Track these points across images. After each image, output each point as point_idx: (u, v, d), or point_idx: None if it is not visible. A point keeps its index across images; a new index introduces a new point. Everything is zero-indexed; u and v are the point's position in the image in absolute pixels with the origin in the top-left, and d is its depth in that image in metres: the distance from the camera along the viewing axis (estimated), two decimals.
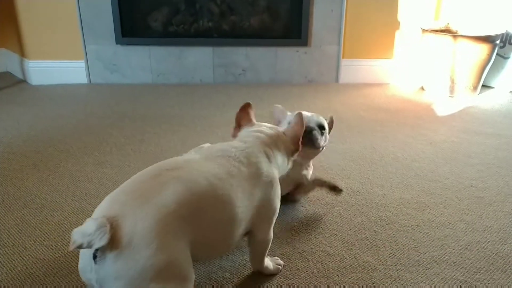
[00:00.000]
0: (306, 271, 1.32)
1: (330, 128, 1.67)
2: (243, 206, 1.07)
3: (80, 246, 0.82)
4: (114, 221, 0.85)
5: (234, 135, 1.28)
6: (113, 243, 0.83)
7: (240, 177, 1.08)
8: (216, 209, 1.01)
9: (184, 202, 0.93)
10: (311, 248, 1.42)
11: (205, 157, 1.11)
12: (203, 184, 0.99)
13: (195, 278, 1.28)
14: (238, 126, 1.29)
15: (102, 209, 0.92)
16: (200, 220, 0.96)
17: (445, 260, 1.37)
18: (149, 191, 0.93)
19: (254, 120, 1.30)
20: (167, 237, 0.88)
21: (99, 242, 0.81)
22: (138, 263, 0.84)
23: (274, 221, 1.22)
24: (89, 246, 0.82)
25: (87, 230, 0.82)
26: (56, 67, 3.08)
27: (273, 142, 1.23)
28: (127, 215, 0.87)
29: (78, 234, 0.82)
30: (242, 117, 1.29)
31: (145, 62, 3.13)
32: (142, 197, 0.91)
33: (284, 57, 3.18)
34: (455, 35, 2.88)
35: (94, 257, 0.85)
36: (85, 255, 0.89)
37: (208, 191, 0.99)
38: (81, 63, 3.09)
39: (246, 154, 1.14)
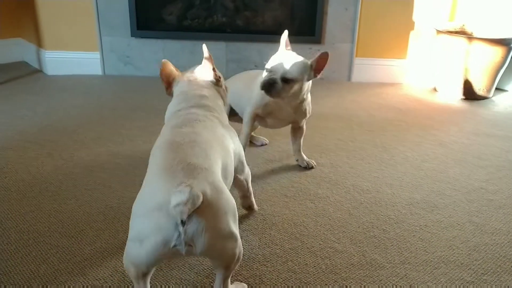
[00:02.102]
0: (314, 266, 1.34)
1: (319, 66, 1.69)
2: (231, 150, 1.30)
3: (188, 213, 0.93)
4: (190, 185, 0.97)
5: (170, 94, 1.40)
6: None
7: (219, 130, 1.27)
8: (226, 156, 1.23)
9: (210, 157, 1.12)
10: (320, 244, 1.44)
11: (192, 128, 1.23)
12: (214, 144, 1.19)
13: (205, 267, 1.30)
14: (168, 84, 1.39)
15: (169, 182, 1.00)
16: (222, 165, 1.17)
17: (452, 261, 1.38)
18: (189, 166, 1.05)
19: (177, 71, 1.40)
20: (223, 187, 1.08)
21: (199, 201, 0.95)
22: (220, 211, 1.02)
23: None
24: (194, 208, 0.94)
25: (183, 199, 0.93)
26: (72, 58, 3.12)
27: (210, 94, 1.37)
28: (194, 185, 0.97)
29: (178, 205, 0.93)
30: (168, 74, 1.38)
31: (159, 55, 3.16)
32: (191, 172, 1.03)
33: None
34: (470, 36, 2.86)
35: (182, 222, 0.95)
36: (164, 229, 0.97)
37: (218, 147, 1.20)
38: (96, 55, 3.12)
39: (209, 115, 1.30)
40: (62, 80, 3.04)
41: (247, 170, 1.48)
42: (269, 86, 1.65)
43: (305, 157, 1.95)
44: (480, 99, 2.92)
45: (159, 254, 1.00)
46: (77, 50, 3.12)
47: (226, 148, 1.25)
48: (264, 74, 1.69)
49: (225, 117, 1.38)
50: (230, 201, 1.07)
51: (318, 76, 1.71)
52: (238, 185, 1.48)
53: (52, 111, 2.50)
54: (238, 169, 1.40)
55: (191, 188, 0.94)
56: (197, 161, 1.07)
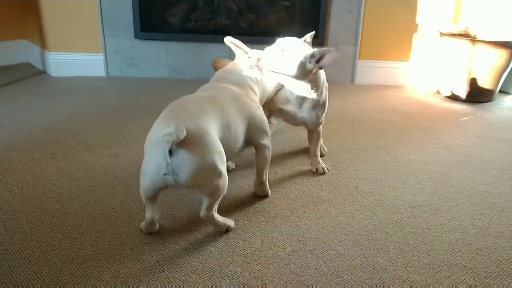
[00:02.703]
0: (316, 268, 1.34)
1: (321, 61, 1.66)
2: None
3: (173, 143, 1.19)
4: (182, 122, 1.25)
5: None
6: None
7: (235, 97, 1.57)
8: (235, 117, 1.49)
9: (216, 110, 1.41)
10: (322, 247, 1.44)
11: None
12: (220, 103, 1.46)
13: (207, 269, 1.31)
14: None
15: (165, 123, 1.28)
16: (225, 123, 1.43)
17: (455, 264, 1.38)
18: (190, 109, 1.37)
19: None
20: (212, 133, 1.32)
21: (182, 134, 1.21)
22: (203, 146, 1.27)
23: None
24: (177, 140, 1.20)
25: (170, 131, 1.19)
26: (76, 60, 3.13)
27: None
28: (185, 121, 1.27)
29: (165, 138, 1.18)
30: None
31: (162, 57, 3.17)
32: (182, 115, 1.32)
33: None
34: (473, 39, 2.86)
35: (170, 152, 1.21)
36: (156, 160, 1.25)
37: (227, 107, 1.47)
38: (100, 56, 3.14)
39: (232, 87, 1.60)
40: (65, 81, 3.05)
41: (268, 142, 1.63)
42: None
43: (320, 162, 1.94)
44: (484, 102, 2.92)
45: (155, 182, 1.29)
46: (81, 51, 3.13)
47: (238, 110, 1.49)
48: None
49: (253, 93, 1.62)
50: (215, 142, 1.31)
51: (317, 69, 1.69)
52: (257, 154, 1.64)
53: (55, 112, 2.51)
54: (256, 136, 1.59)
55: (177, 123, 1.20)
56: (191, 109, 1.35)
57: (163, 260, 1.35)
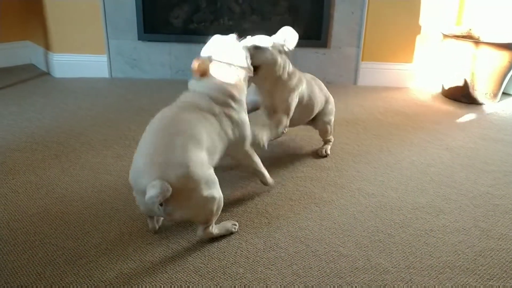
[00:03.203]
0: (319, 270, 1.34)
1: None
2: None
3: (158, 205, 1.23)
4: (163, 177, 1.24)
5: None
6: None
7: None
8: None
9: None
10: (325, 248, 1.44)
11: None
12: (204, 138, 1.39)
13: (210, 270, 1.31)
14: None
15: (148, 175, 1.26)
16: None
17: (458, 266, 1.38)
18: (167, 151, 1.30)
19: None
20: (196, 165, 1.30)
21: (168, 193, 1.22)
22: (189, 192, 1.29)
23: None
24: (164, 199, 1.22)
25: (155, 193, 1.20)
26: (79, 61, 3.14)
27: None
28: (169, 174, 1.25)
29: (151, 200, 1.21)
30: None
31: (165, 58, 3.18)
32: (167, 158, 1.29)
33: (302, 57, 3.19)
34: (476, 41, 2.86)
35: (161, 204, 1.25)
36: (147, 206, 1.27)
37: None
38: (103, 58, 3.14)
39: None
40: (69, 82, 3.06)
41: (244, 156, 1.61)
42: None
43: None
44: (487, 104, 2.91)
45: (149, 213, 1.40)
46: (85, 53, 3.14)
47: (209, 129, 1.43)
48: None
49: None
50: (196, 175, 1.29)
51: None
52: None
53: (59, 113, 2.52)
54: (233, 153, 1.56)
55: (162, 183, 1.21)
56: (176, 141, 1.31)
57: (166, 261, 1.35)
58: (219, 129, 1.45)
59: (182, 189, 1.26)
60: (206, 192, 1.32)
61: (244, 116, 1.55)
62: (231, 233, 1.49)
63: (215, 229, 1.44)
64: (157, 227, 1.48)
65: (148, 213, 1.42)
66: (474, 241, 1.50)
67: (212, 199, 1.34)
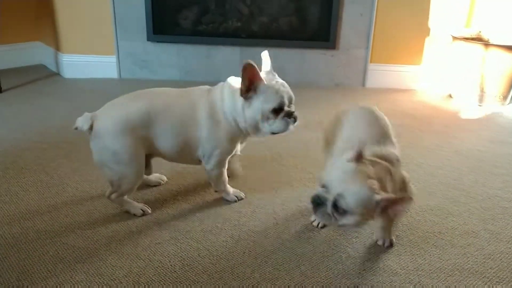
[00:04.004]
0: (327, 271, 1.34)
1: (389, 208, 1.18)
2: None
3: (75, 128, 1.49)
4: (95, 117, 1.48)
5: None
6: (92, 130, 1.48)
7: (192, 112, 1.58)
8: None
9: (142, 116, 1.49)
10: (332, 249, 1.44)
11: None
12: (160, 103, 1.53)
13: (218, 269, 1.31)
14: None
15: (96, 111, 1.51)
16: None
17: (467, 269, 1.37)
18: (124, 104, 1.52)
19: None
20: (120, 134, 1.46)
21: (84, 127, 1.48)
22: (101, 146, 1.48)
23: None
24: (81, 129, 1.49)
25: (79, 119, 1.49)
26: (89, 62, 3.17)
27: None
28: (101, 116, 1.49)
29: (77, 121, 1.49)
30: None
31: (174, 59, 3.19)
32: (117, 107, 1.51)
33: (311, 59, 3.19)
34: (486, 43, 2.85)
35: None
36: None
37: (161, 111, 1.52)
38: (113, 58, 3.17)
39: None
40: (79, 83, 3.09)
41: (211, 167, 1.59)
42: (316, 205, 1.22)
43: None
44: (496, 106, 2.90)
45: None
46: (94, 53, 3.17)
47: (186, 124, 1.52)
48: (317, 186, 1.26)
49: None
50: (110, 144, 1.45)
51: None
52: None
53: (69, 113, 2.54)
54: (203, 157, 1.57)
55: (89, 119, 1.48)
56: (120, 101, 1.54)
57: (175, 260, 1.36)
58: None
59: (97, 134, 1.51)
60: (111, 162, 1.50)
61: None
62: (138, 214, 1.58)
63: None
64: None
65: None
66: (483, 243, 1.50)
67: (110, 168, 1.50)
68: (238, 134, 1.55)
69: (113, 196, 1.54)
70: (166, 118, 1.50)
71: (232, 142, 1.56)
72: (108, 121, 1.46)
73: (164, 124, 1.50)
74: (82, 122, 1.47)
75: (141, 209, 1.58)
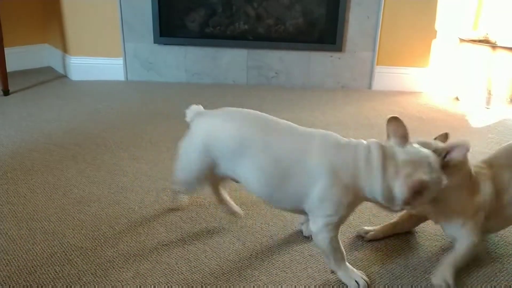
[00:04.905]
0: (334, 273, 1.33)
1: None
2: None
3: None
4: (199, 115, 1.43)
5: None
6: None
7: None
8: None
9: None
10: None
11: None
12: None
13: (225, 271, 1.31)
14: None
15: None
16: None
17: (475, 271, 1.36)
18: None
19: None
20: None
21: (187, 119, 1.44)
22: (188, 140, 1.43)
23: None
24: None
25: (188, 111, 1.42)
26: (96, 64, 3.18)
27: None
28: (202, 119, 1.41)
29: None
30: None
31: (181, 61, 3.20)
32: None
33: (317, 61, 3.19)
34: (493, 45, 2.83)
35: None
36: None
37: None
38: (119, 61, 3.18)
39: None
40: (86, 85, 3.10)
41: (317, 231, 1.23)
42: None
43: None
44: (504, 109, 2.88)
45: None
46: (101, 56, 3.18)
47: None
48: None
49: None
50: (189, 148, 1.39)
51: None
52: None
53: (76, 115, 2.55)
54: (311, 211, 1.24)
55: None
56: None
57: (182, 262, 1.36)
58: None
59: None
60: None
61: None
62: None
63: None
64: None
65: None
66: (491, 247, 1.49)
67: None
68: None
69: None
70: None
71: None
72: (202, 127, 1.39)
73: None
74: (189, 113, 1.43)
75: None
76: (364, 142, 1.25)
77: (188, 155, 1.40)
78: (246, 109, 1.37)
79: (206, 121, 1.38)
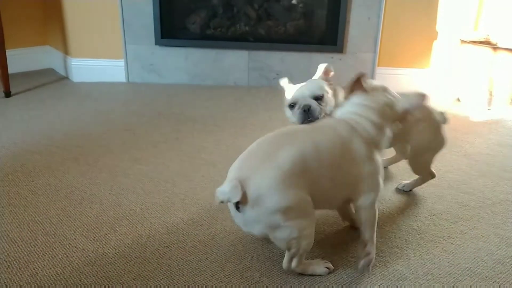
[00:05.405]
0: (336, 275, 1.33)
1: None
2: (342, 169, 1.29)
3: (221, 202, 1.17)
4: (244, 181, 1.17)
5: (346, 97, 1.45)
6: (246, 197, 1.16)
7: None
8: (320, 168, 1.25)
9: (296, 162, 1.21)
10: (341, 253, 1.43)
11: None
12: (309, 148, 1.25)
13: (227, 273, 1.31)
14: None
15: (234, 172, 1.23)
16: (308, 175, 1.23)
17: (477, 273, 1.36)
18: (269, 155, 1.22)
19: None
20: (285, 187, 1.18)
21: (234, 199, 1.16)
22: (268, 209, 1.17)
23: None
24: (228, 201, 1.17)
25: (225, 190, 1.16)
26: (97, 66, 3.19)
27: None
28: (254, 177, 1.18)
29: (219, 193, 1.17)
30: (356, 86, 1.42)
31: (182, 63, 3.20)
32: (264, 160, 1.21)
33: (318, 62, 3.15)
34: (494, 47, 2.83)
35: (237, 208, 1.19)
36: (231, 207, 1.22)
37: (313, 154, 1.24)
38: (121, 62, 3.19)
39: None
40: (87, 86, 3.11)
41: (370, 206, 1.35)
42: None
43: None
44: (505, 110, 2.88)
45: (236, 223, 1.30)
46: (102, 57, 3.18)
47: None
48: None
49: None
50: (279, 203, 1.17)
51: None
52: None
53: (77, 117, 2.55)
54: (362, 192, 1.34)
55: (238, 186, 1.16)
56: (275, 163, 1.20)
57: (183, 264, 1.36)
58: None
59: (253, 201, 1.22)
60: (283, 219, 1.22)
61: None
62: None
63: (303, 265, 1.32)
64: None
65: None
66: (493, 248, 1.48)
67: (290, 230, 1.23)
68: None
69: (294, 263, 1.29)
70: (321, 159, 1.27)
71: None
72: (267, 181, 1.17)
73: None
74: (230, 193, 1.16)
75: (326, 267, 1.35)
76: (350, 111, 1.39)
77: None
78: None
79: (264, 174, 1.22)
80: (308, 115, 1.52)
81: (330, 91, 1.59)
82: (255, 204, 1.17)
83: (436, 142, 1.76)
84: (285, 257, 1.30)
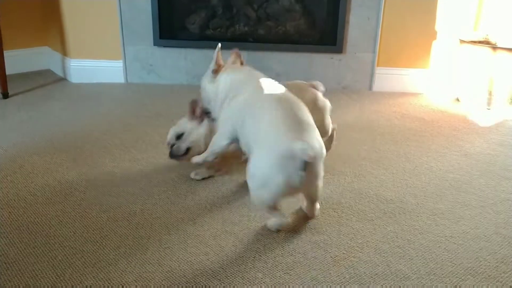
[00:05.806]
0: (338, 275, 1.32)
1: None
2: None
3: (309, 160, 1.33)
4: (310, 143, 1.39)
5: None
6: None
7: None
8: None
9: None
10: (343, 253, 1.42)
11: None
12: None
13: (228, 274, 1.30)
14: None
15: (291, 134, 1.40)
16: None
17: (480, 273, 1.35)
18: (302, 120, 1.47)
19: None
20: None
21: (323, 154, 1.44)
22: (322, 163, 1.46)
23: None
24: (313, 158, 1.35)
25: (316, 146, 1.39)
26: (96, 66, 3.18)
27: None
28: (311, 137, 1.42)
29: (310, 150, 1.34)
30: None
31: (181, 63, 3.19)
32: (307, 125, 1.46)
33: (318, 63, 3.18)
34: (494, 46, 2.83)
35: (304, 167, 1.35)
36: (291, 167, 1.36)
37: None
38: (119, 63, 3.17)
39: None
40: (86, 87, 3.09)
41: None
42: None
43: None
44: (505, 110, 2.87)
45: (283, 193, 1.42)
46: (101, 58, 3.17)
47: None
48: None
49: None
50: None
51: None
52: None
53: (76, 118, 2.54)
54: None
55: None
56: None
57: (184, 265, 1.35)
58: None
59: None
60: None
61: None
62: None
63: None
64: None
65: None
66: (495, 248, 1.48)
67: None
68: None
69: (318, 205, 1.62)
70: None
71: None
72: (319, 138, 1.46)
73: None
74: (320, 149, 1.42)
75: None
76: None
77: None
78: None
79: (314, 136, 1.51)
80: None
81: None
82: (321, 159, 1.42)
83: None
84: (315, 205, 1.57)
